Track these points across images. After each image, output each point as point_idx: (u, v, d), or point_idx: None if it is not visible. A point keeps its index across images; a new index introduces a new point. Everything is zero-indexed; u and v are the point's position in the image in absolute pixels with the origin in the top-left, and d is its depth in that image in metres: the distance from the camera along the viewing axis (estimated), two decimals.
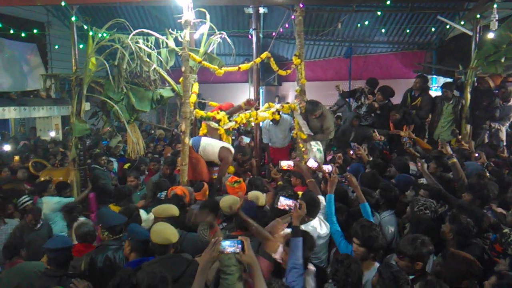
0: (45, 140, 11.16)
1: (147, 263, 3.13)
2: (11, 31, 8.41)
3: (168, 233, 3.21)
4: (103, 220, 3.76)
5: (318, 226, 3.63)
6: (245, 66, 6.06)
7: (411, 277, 2.80)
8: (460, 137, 6.97)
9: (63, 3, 6.11)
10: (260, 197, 4.17)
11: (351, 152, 5.93)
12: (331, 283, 2.74)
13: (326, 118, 6.37)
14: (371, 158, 5.83)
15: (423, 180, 4.76)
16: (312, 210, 3.63)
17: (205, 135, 5.94)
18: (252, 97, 7.34)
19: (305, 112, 6.38)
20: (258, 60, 6.34)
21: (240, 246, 2.48)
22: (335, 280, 2.69)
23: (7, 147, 9.12)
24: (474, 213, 3.46)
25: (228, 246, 2.48)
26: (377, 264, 2.99)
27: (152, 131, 12.56)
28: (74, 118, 6.24)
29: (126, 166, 7.79)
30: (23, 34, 8.61)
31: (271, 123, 6.91)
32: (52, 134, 12.11)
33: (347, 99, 8.32)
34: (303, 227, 3.50)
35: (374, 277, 2.63)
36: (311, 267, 3.08)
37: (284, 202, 3.15)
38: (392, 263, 2.83)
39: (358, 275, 2.70)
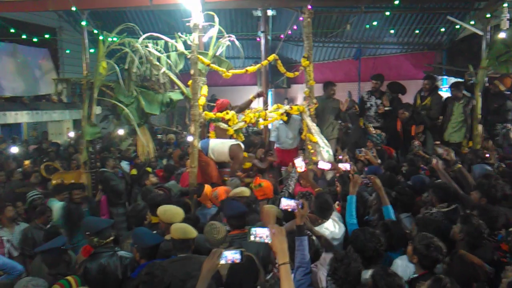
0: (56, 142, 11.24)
1: (169, 260, 3.21)
2: (24, 36, 8.57)
3: (187, 229, 3.33)
4: (88, 227, 3.62)
5: (332, 228, 3.63)
6: (252, 68, 6.07)
7: (413, 276, 2.79)
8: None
9: (74, 8, 6.20)
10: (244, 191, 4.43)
11: (359, 154, 5.88)
12: (329, 279, 2.74)
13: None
14: (379, 161, 5.80)
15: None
16: (324, 212, 3.63)
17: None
18: (261, 99, 7.35)
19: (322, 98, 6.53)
20: (265, 62, 6.35)
21: (239, 256, 2.53)
22: (334, 278, 2.69)
23: (14, 149, 9.20)
24: (489, 212, 3.42)
25: (229, 255, 2.53)
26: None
27: (159, 136, 12.49)
28: (85, 122, 6.32)
29: (133, 172, 7.41)
30: (35, 39, 8.76)
31: (281, 121, 6.88)
32: (71, 134, 12.07)
33: (356, 102, 8.28)
34: (317, 229, 3.51)
35: (369, 281, 2.61)
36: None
37: (286, 203, 3.16)
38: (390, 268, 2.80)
39: (358, 274, 2.70)
